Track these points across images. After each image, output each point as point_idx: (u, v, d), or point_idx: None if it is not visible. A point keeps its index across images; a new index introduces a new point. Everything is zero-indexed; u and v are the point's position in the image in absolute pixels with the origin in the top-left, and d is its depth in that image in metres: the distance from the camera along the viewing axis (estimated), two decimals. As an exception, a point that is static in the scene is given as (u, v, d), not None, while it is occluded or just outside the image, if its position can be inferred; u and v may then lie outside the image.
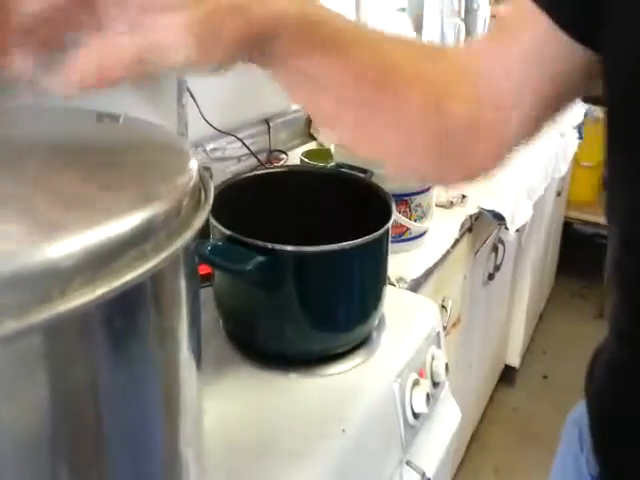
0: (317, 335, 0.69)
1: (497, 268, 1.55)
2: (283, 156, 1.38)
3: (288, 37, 0.37)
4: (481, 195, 1.16)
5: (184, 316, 0.40)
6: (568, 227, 2.62)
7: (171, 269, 0.38)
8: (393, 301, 0.78)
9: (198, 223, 0.39)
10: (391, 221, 0.71)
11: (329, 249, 0.64)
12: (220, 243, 0.63)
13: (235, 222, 0.74)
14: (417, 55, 0.46)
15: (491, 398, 1.98)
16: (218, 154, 1.25)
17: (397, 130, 0.46)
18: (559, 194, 2.13)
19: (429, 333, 0.77)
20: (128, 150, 0.43)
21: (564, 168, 1.63)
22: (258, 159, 1.29)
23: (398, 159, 0.49)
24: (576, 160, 2.37)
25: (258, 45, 0.37)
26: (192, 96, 1.08)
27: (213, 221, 0.67)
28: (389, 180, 0.88)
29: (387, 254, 0.74)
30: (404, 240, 0.94)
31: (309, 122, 1.53)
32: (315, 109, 0.47)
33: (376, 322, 0.74)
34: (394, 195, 0.88)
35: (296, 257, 0.64)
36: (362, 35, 0.43)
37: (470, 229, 1.15)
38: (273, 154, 1.38)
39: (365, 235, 0.67)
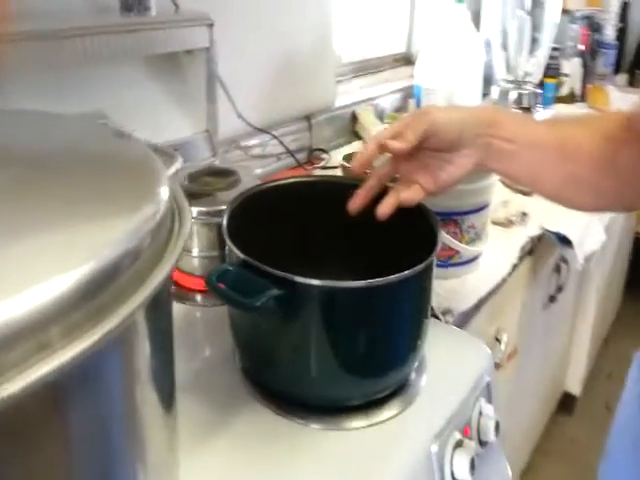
0: (343, 380, 0.58)
1: (559, 289, 1.40)
2: (325, 156, 1.28)
3: None
4: (545, 213, 1.02)
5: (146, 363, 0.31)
6: (638, 243, 2.40)
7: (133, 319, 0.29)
8: (437, 338, 0.67)
9: (159, 276, 0.29)
10: (437, 250, 0.59)
11: (360, 286, 0.53)
12: (231, 268, 0.53)
13: (254, 240, 0.64)
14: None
15: (546, 428, 1.82)
16: (257, 151, 1.16)
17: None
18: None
19: (477, 382, 0.65)
20: (87, 171, 0.34)
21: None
22: (296, 159, 1.20)
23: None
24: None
25: None
26: (226, 91, 0.99)
27: (228, 241, 0.57)
28: (438, 197, 0.76)
29: (430, 287, 0.62)
30: (453, 265, 0.82)
31: (354, 119, 1.42)
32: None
33: (414, 366, 0.63)
34: (442, 214, 0.77)
35: (321, 292, 0.53)
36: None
37: (531, 252, 1.01)
38: (314, 153, 1.28)
39: (404, 261, 0.56)
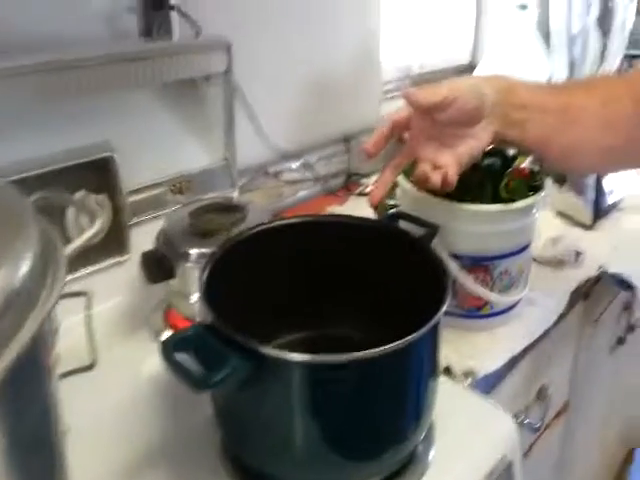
0: (330, 463, 0.50)
1: (631, 329, 1.24)
2: (364, 181, 1.20)
3: None
4: (604, 251, 0.90)
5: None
6: None
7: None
8: (452, 405, 0.58)
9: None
10: (442, 310, 0.50)
11: (343, 361, 0.45)
12: (190, 333, 0.47)
13: (243, 291, 0.59)
14: None
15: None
16: (292, 176, 1.10)
17: None
18: None
19: (496, 466, 0.55)
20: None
21: None
22: (327, 186, 1.12)
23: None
24: None
25: None
26: (250, 114, 0.94)
27: (202, 297, 0.51)
28: (462, 238, 0.67)
29: (438, 346, 0.53)
30: (483, 316, 0.72)
31: (400, 140, 1.32)
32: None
33: (419, 439, 0.54)
34: (470, 258, 0.68)
35: (298, 367, 0.46)
36: None
37: (586, 296, 0.89)
38: (351, 179, 1.20)
39: (410, 319, 0.48)
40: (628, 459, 1.67)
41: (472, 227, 0.67)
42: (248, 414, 0.49)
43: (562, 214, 1.01)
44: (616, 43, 1.10)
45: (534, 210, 0.69)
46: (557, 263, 0.86)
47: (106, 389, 0.63)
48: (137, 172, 0.79)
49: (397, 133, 0.62)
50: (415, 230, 0.65)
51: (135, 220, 0.78)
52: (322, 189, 1.14)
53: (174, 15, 0.82)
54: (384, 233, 0.63)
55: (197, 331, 0.46)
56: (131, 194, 0.78)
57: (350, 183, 1.19)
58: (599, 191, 0.98)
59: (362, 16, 1.19)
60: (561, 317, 0.80)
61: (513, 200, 0.66)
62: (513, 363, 0.72)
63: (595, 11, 1.08)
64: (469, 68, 1.80)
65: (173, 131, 0.83)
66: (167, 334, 0.72)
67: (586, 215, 0.98)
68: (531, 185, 0.69)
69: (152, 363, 0.67)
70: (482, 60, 1.31)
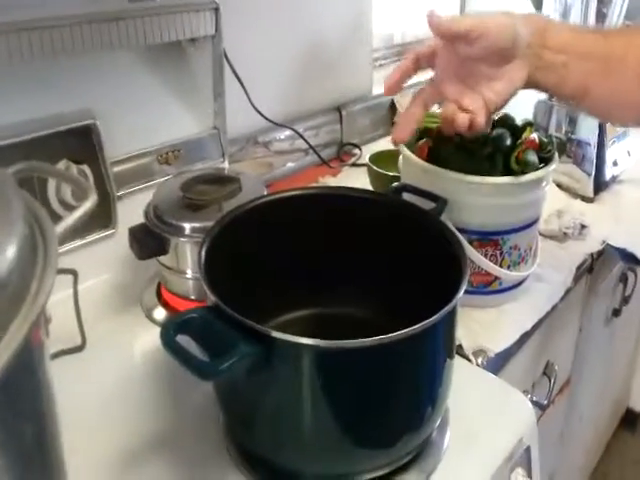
0: (344, 452, 0.46)
1: (625, 301, 1.23)
2: (356, 151, 1.15)
3: None
4: (607, 225, 0.87)
5: None
6: None
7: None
8: (465, 386, 0.55)
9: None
10: (462, 290, 0.47)
11: (359, 346, 0.41)
12: (196, 316, 0.43)
13: (246, 269, 0.54)
14: None
15: (607, 449, 1.65)
16: (282, 146, 1.05)
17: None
18: None
19: (514, 449, 0.53)
20: None
21: None
22: (319, 156, 1.08)
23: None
24: None
25: None
26: (240, 82, 0.88)
27: (203, 279, 0.47)
28: (471, 212, 0.64)
29: (454, 328, 0.50)
30: (492, 292, 0.69)
31: (393, 108, 1.28)
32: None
33: (435, 425, 0.51)
34: (479, 232, 0.65)
35: (310, 352, 0.42)
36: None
37: (590, 270, 0.87)
38: (344, 148, 1.16)
39: (424, 299, 0.45)
40: (621, 425, 1.70)
41: (481, 200, 0.63)
42: (255, 401, 0.45)
43: (562, 186, 0.98)
44: (615, 13, 1.06)
45: (544, 183, 0.66)
46: (562, 237, 0.83)
47: (99, 370, 0.59)
48: (121, 141, 0.73)
49: (421, 67, 0.57)
50: (421, 204, 0.61)
51: (121, 192, 0.73)
52: (313, 159, 1.09)
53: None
54: (392, 207, 0.59)
55: (201, 314, 0.42)
56: (115, 164, 0.72)
57: (343, 153, 1.14)
58: (600, 163, 0.95)
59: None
60: (567, 292, 0.78)
61: (524, 172, 0.62)
62: (522, 340, 0.69)
63: None
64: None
65: (159, 97, 0.78)
66: (160, 311, 0.68)
67: (587, 188, 0.95)
68: (541, 157, 0.65)
69: (146, 341, 0.63)
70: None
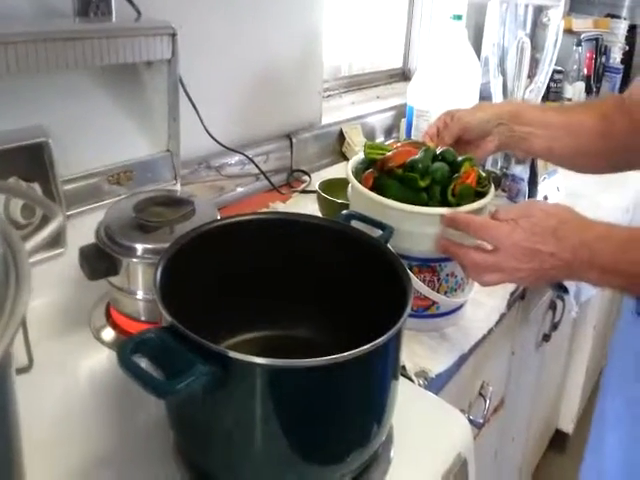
0: (295, 468, 0.48)
1: (554, 327, 1.30)
2: (306, 178, 1.19)
3: None
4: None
5: None
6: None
7: None
8: (408, 405, 0.57)
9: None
10: (406, 313, 0.50)
11: (314, 365, 0.43)
12: (153, 336, 0.44)
13: (197, 293, 0.56)
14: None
15: (537, 469, 1.72)
16: (234, 170, 1.07)
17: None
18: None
19: (453, 463, 0.56)
20: None
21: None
22: (270, 181, 1.10)
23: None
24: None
25: None
26: (194, 106, 0.90)
27: (158, 299, 0.48)
28: (411, 240, 0.68)
29: (399, 350, 0.53)
30: (431, 316, 0.72)
31: (341, 138, 1.33)
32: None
33: (381, 441, 0.53)
34: (418, 259, 0.68)
35: (264, 372, 0.43)
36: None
37: (523, 296, 0.92)
38: (294, 175, 1.19)
39: (372, 321, 0.48)
40: (550, 445, 1.78)
41: (420, 229, 0.67)
42: (209, 420, 0.47)
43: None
44: (547, 60, 1.15)
45: (479, 215, 0.70)
46: (497, 264, 0.89)
47: (46, 391, 0.58)
48: (73, 160, 0.73)
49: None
50: (369, 231, 0.65)
51: (71, 211, 0.73)
52: (264, 185, 1.11)
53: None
54: (341, 233, 0.62)
55: (157, 334, 0.43)
56: (66, 183, 0.72)
57: (293, 180, 1.17)
58: (533, 197, 1.02)
59: (307, 14, 1.18)
60: (502, 317, 0.83)
61: (460, 205, 0.67)
62: (460, 362, 0.73)
63: (528, 26, 1.12)
64: (401, 73, 1.83)
65: (113, 118, 0.79)
66: (109, 332, 0.68)
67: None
68: (478, 191, 0.70)
69: (94, 362, 0.63)
70: (417, 68, 1.33)
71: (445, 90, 1.27)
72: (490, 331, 0.79)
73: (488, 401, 0.83)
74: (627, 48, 2.43)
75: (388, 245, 0.66)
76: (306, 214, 0.64)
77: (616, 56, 2.41)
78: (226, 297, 0.59)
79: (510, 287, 0.86)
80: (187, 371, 0.41)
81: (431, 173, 0.69)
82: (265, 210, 0.98)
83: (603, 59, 2.25)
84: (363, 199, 0.71)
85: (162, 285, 0.49)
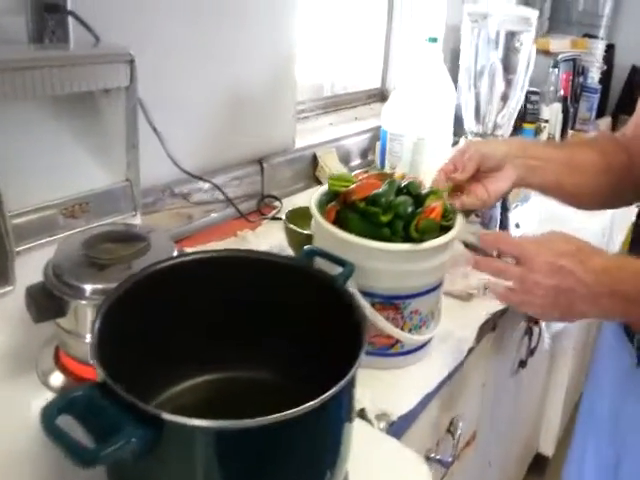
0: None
1: (531, 353, 1.29)
2: (277, 204, 1.17)
3: None
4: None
5: None
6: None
7: None
8: (366, 450, 0.55)
9: None
10: (359, 360, 0.48)
11: (258, 424, 0.41)
12: (78, 394, 0.41)
13: (141, 340, 0.53)
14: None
15: (517, 494, 1.70)
16: (203, 197, 1.05)
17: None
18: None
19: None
20: None
21: (620, 238, 1.36)
22: (238, 210, 1.08)
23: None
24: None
25: None
26: (157, 133, 0.88)
27: (93, 355, 0.45)
28: (373, 277, 0.66)
29: (353, 394, 0.50)
30: (395, 355, 0.70)
31: (316, 162, 1.31)
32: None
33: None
34: (381, 297, 0.67)
35: (203, 434, 0.41)
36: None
37: (494, 327, 0.91)
38: (265, 201, 1.17)
39: (328, 362, 0.47)
40: (530, 469, 1.75)
41: (382, 266, 0.65)
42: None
43: (470, 246, 1.03)
44: (520, 82, 1.14)
45: (444, 250, 0.69)
46: (467, 297, 0.87)
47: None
48: (24, 192, 0.71)
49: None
50: (331, 268, 0.62)
51: (20, 247, 0.70)
52: (234, 212, 1.09)
53: (70, 21, 0.75)
54: (299, 272, 0.60)
55: (87, 392, 0.41)
56: (15, 217, 0.69)
57: (264, 206, 1.15)
58: (504, 225, 1.01)
59: (279, 35, 1.16)
60: (471, 350, 0.81)
61: (423, 240, 0.65)
62: (426, 400, 0.71)
63: (501, 50, 1.11)
64: (379, 93, 1.82)
65: (67, 148, 0.76)
66: (57, 376, 0.65)
67: (493, 247, 1.00)
68: (442, 225, 0.69)
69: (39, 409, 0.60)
70: (394, 89, 1.32)
71: (419, 114, 1.26)
72: (458, 366, 0.77)
73: (457, 438, 0.81)
74: (605, 68, 2.45)
75: (349, 282, 0.64)
76: (261, 251, 0.62)
77: (594, 76, 2.42)
78: (175, 340, 0.56)
79: (480, 319, 0.84)
80: (115, 435, 0.38)
81: (394, 207, 0.67)
82: (221, 249, 0.94)
83: (581, 79, 2.27)
84: (325, 233, 0.69)
85: (100, 335, 0.46)
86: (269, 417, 0.41)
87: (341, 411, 0.48)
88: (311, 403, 0.42)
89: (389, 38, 1.81)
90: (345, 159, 1.42)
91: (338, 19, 1.61)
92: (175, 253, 0.67)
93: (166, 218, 0.99)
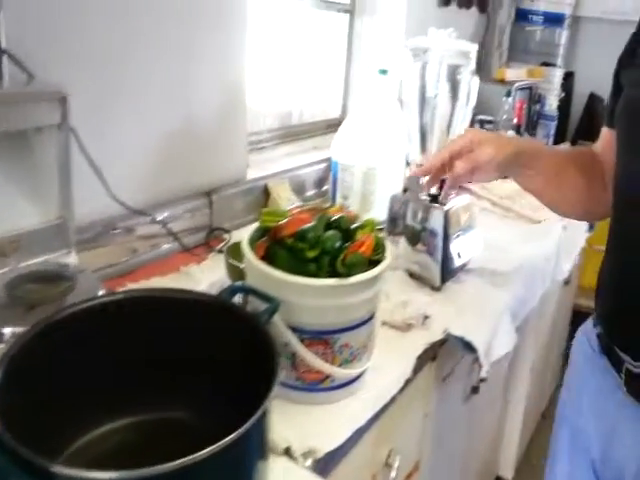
0: None
1: (483, 379, 1.29)
2: (226, 236, 1.17)
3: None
4: (449, 315, 0.93)
5: None
6: (580, 315, 2.32)
7: None
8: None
9: None
10: (270, 395, 0.48)
11: (161, 472, 0.41)
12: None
13: (53, 384, 0.53)
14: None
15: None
16: (149, 230, 1.04)
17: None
18: (567, 283, 1.87)
19: None
20: None
21: (568, 265, 1.39)
22: (182, 244, 1.08)
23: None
24: (589, 244, 2.12)
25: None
26: (95, 169, 0.88)
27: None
28: (301, 312, 0.66)
29: (266, 435, 0.51)
30: (325, 389, 0.70)
31: (267, 193, 1.31)
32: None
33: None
34: (310, 332, 0.67)
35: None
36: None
37: (434, 357, 0.91)
38: (214, 233, 1.17)
39: (246, 402, 0.46)
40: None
41: (309, 301, 0.66)
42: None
43: (414, 275, 1.04)
44: (462, 112, 1.16)
45: (374, 284, 0.69)
46: (406, 327, 0.88)
47: None
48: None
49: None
50: (258, 304, 0.63)
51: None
52: (179, 246, 1.09)
53: (5, 59, 0.75)
54: (220, 309, 0.60)
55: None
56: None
57: (213, 238, 1.15)
58: (446, 254, 1.02)
59: (226, 67, 1.17)
60: (408, 381, 0.81)
61: (350, 275, 0.66)
62: (359, 434, 0.71)
63: (443, 82, 1.13)
64: (339, 123, 1.84)
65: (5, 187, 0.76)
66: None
67: (435, 277, 1.02)
68: (372, 259, 0.69)
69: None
70: (346, 119, 1.34)
71: (369, 144, 1.28)
72: (393, 399, 0.78)
73: (395, 471, 0.81)
74: (563, 95, 2.52)
75: (276, 318, 0.65)
76: (180, 290, 0.62)
77: (552, 103, 2.49)
78: (88, 385, 0.55)
79: (418, 350, 0.84)
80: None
81: (321, 243, 0.67)
82: (141, 288, 0.93)
83: (538, 107, 2.33)
84: (254, 269, 0.69)
85: (2, 382, 0.46)
86: (172, 464, 0.41)
87: (251, 451, 0.48)
88: (212, 447, 0.42)
89: (349, 69, 1.85)
90: (300, 189, 1.43)
91: (304, 49, 1.64)
92: (101, 293, 0.66)
93: (110, 253, 0.98)
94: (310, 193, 1.48)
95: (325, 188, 1.50)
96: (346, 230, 0.71)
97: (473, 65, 1.09)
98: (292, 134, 1.68)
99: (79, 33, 0.88)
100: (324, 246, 0.67)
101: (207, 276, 1.00)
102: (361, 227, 0.72)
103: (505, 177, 0.88)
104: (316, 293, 0.66)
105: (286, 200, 1.31)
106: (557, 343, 2.09)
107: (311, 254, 0.66)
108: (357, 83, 1.82)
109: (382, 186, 1.28)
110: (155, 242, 1.06)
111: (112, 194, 0.91)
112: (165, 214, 1.07)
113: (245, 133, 1.28)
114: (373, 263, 0.70)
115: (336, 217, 0.73)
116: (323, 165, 1.51)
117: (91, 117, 0.90)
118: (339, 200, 1.32)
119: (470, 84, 1.08)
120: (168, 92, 1.05)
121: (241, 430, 0.45)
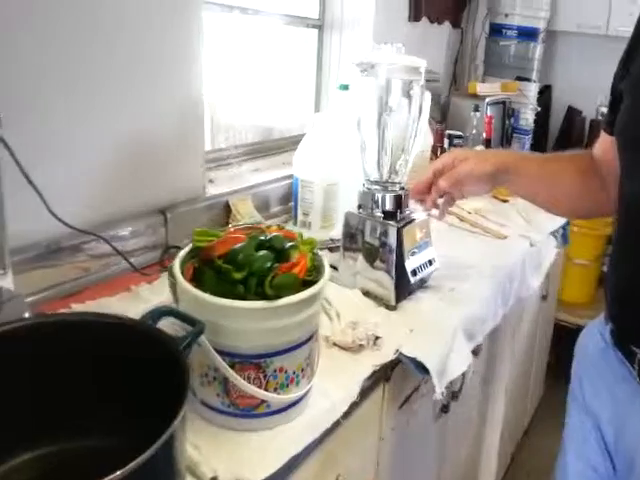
0: None
1: (454, 396, 1.27)
2: (182, 254, 1.14)
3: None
4: (402, 336, 0.90)
5: None
6: (562, 329, 2.30)
7: None
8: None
9: None
10: (177, 420, 0.46)
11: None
12: None
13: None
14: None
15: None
16: (101, 249, 1.02)
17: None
18: (544, 297, 1.85)
19: None
20: None
21: (536, 282, 1.37)
22: (131, 263, 1.05)
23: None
24: (568, 258, 2.12)
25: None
26: (34, 188, 0.85)
27: None
28: (230, 335, 0.64)
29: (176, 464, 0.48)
30: (261, 415, 0.67)
31: (228, 210, 1.29)
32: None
33: None
34: (240, 356, 0.64)
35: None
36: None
37: (388, 378, 0.89)
38: (169, 252, 1.14)
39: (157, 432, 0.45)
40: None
41: (239, 324, 0.64)
42: None
43: (370, 294, 1.02)
44: (414, 129, 1.14)
45: (308, 306, 0.66)
46: (357, 348, 0.85)
47: None
48: None
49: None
50: (184, 327, 0.61)
51: None
52: (131, 265, 1.06)
53: None
54: (139, 334, 0.58)
55: None
56: None
57: (166, 257, 1.13)
58: (400, 272, 1.00)
59: (181, 83, 1.16)
60: (356, 404, 0.79)
61: (279, 296, 0.63)
62: (298, 460, 0.68)
63: (394, 98, 1.10)
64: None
65: None
66: None
67: (390, 295, 0.99)
68: (307, 280, 0.67)
69: None
70: (306, 135, 1.32)
71: (328, 160, 1.27)
72: (338, 423, 0.75)
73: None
74: (539, 109, 2.52)
75: (204, 342, 0.62)
76: (102, 314, 0.60)
77: (528, 117, 2.49)
78: (3, 412, 0.53)
79: (365, 372, 0.82)
80: None
81: (249, 264, 0.65)
82: (58, 312, 0.90)
83: (512, 121, 2.33)
84: (183, 291, 0.67)
85: None
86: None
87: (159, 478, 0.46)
88: (113, 475, 0.40)
89: (319, 84, 1.84)
90: (264, 206, 1.42)
91: (277, 64, 1.64)
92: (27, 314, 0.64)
93: (55, 273, 0.96)
94: (275, 209, 1.46)
95: (290, 204, 1.48)
96: (280, 250, 0.69)
97: (422, 80, 1.08)
98: (263, 150, 1.67)
99: (16, 41, 0.86)
100: (252, 267, 0.65)
101: (157, 296, 0.97)
102: (296, 247, 0.70)
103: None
104: (245, 316, 0.63)
105: (247, 217, 1.29)
106: (538, 357, 2.06)
107: (238, 276, 0.64)
108: (327, 98, 1.81)
109: (343, 202, 1.26)
110: (106, 262, 1.03)
111: (52, 212, 0.88)
112: (117, 232, 1.04)
113: (202, 149, 1.26)
114: (309, 284, 0.68)
115: (269, 237, 0.70)
116: (288, 181, 1.49)
117: (31, 133, 0.88)
118: (300, 217, 1.30)
119: (422, 98, 1.06)
120: (117, 106, 1.03)
121: (144, 456, 0.42)
